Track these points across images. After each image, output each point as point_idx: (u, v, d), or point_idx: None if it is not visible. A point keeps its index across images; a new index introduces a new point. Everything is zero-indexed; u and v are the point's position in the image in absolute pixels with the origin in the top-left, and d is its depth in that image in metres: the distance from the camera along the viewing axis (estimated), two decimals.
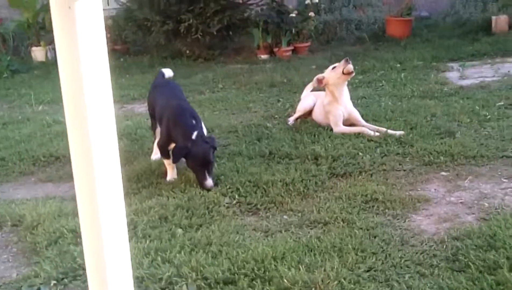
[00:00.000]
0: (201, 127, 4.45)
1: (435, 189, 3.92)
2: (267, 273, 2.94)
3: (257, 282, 2.87)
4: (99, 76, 1.00)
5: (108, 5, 11.78)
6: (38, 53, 10.75)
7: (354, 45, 10.41)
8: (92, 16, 0.96)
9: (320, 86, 5.53)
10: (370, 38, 10.52)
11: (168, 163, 4.47)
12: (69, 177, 4.77)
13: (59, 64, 0.99)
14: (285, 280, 2.83)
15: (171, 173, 4.48)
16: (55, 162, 5.16)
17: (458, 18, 10.98)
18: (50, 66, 10.07)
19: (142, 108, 7.04)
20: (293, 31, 10.03)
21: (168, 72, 5.32)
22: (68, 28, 0.95)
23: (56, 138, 5.80)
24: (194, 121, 4.39)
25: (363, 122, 5.35)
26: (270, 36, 9.99)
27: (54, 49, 10.78)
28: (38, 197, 4.37)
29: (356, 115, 5.41)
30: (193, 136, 4.26)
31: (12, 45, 11.21)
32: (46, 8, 11.02)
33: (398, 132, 4.99)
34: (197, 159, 4.21)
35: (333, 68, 5.40)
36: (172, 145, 4.40)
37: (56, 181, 4.72)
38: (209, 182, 4.15)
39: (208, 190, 4.11)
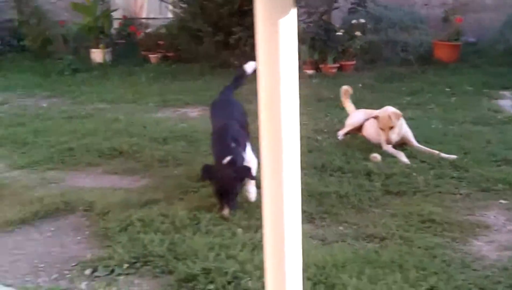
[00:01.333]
0: (241, 152, 4.16)
1: (494, 216, 3.87)
2: (329, 279, 2.99)
3: (320, 287, 2.92)
4: (291, 85, 1.09)
5: (160, 14, 12.18)
6: (96, 55, 11.21)
7: (400, 67, 10.35)
8: (291, 29, 1.06)
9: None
10: (416, 60, 10.42)
11: None
12: (132, 171, 4.96)
13: (260, 71, 1.08)
14: (348, 289, 2.89)
15: None
16: (118, 156, 5.36)
17: (509, 46, 10.74)
18: (108, 68, 10.59)
19: (194, 112, 7.23)
20: (339, 49, 10.08)
21: (250, 67, 5.01)
22: (272, 41, 1.05)
23: (117, 134, 6.04)
24: (233, 144, 4.12)
25: (415, 143, 5.36)
26: (316, 53, 10.05)
27: (111, 52, 11.34)
28: (105, 187, 4.55)
29: (409, 136, 5.42)
30: (224, 161, 4.01)
31: (72, 46, 11.70)
32: (105, 14, 11.48)
33: (451, 156, 4.96)
34: (216, 186, 3.98)
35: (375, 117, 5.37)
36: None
37: (121, 174, 4.89)
38: (225, 211, 3.88)
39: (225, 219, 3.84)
